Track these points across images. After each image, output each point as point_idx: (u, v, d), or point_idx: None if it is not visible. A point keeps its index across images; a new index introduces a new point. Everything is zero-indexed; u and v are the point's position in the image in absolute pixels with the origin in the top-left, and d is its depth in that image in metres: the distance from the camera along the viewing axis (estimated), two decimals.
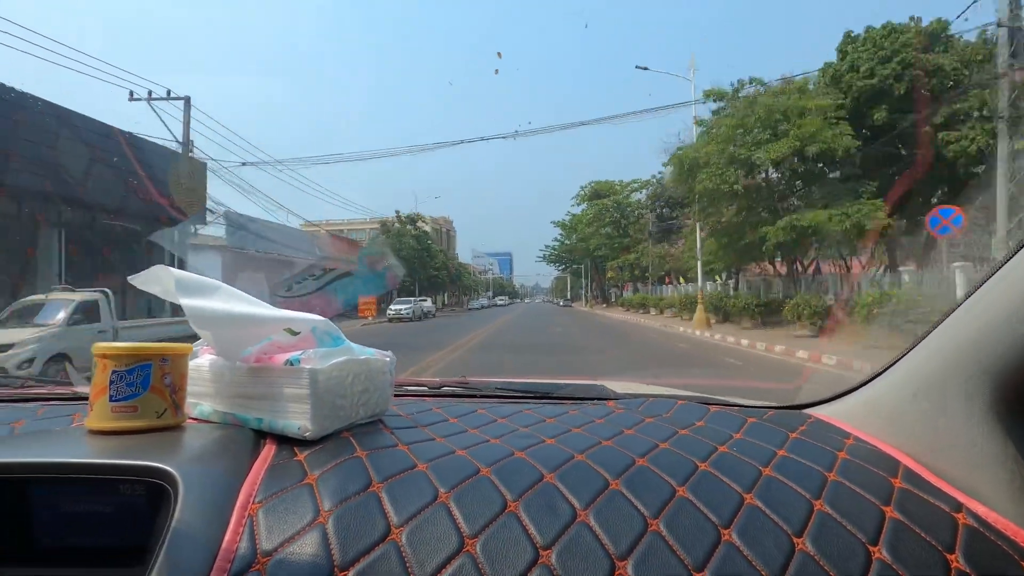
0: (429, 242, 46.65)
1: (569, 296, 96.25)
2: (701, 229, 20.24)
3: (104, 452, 0.63)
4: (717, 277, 24.54)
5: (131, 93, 17.76)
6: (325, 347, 0.78)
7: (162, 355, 0.71)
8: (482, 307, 63.97)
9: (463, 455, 0.69)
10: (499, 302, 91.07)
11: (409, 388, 1.11)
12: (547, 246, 69.47)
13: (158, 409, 0.71)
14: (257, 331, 0.78)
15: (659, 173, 40.29)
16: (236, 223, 23.36)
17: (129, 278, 0.78)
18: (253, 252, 24.15)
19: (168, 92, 18.30)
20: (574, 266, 68.92)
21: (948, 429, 0.68)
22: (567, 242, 61.35)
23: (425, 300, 35.91)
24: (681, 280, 32.57)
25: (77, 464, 0.59)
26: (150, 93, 18.06)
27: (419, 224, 45.96)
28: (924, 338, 0.74)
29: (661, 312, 29.09)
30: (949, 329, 0.70)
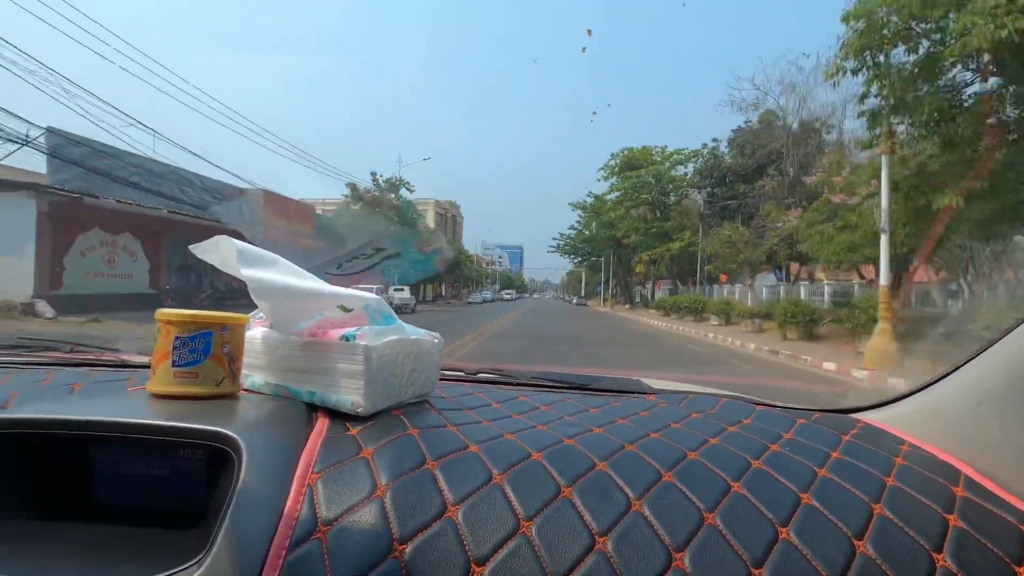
0: (415, 216, 35.96)
1: (584, 293, 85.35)
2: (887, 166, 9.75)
3: (168, 415, 0.64)
4: (822, 275, 16.44)
5: None
6: (377, 325, 0.79)
7: (222, 324, 0.72)
8: (484, 301, 55.43)
9: (512, 439, 0.70)
10: (505, 296, 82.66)
11: (446, 372, 1.11)
12: (562, 234, 59.27)
13: (217, 377, 0.72)
14: (311, 305, 0.79)
15: (712, 142, 31.67)
16: (65, 154, 14.36)
17: (190, 247, 0.79)
18: (111, 201, 15.57)
19: None
20: (593, 258, 59.05)
21: (1015, 439, 0.66)
22: (586, 231, 52.71)
23: (402, 290, 27.84)
24: (753, 278, 23.14)
25: (145, 425, 0.60)
26: None
27: (403, 192, 35.10)
28: (991, 345, 0.72)
29: (727, 322, 20.05)
30: (1021, 337, 0.68)
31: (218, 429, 0.59)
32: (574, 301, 74.71)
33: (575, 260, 66.80)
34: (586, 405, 0.88)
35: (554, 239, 60.76)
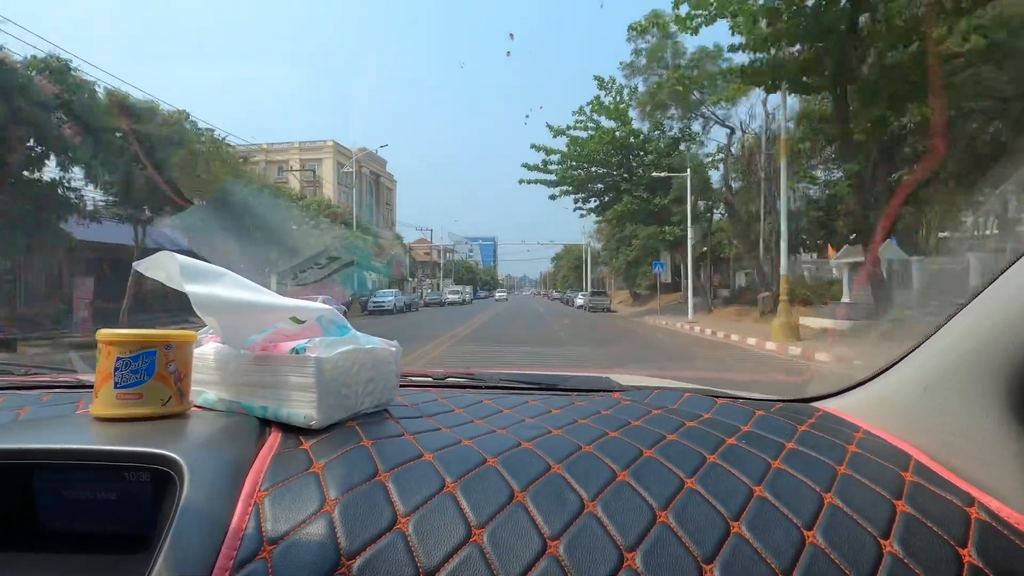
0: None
1: (592, 283, 49.67)
2: None
3: (109, 439, 0.63)
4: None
5: None
6: (331, 336, 0.78)
7: (167, 342, 0.71)
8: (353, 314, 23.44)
9: (469, 445, 0.69)
10: (450, 297, 48.57)
11: (414, 379, 1.11)
12: (563, 128, 24.82)
13: (163, 396, 0.70)
14: (262, 319, 0.78)
15: None
16: None
17: (134, 264, 0.78)
18: None
19: None
20: (636, 191, 25.27)
21: (960, 423, 0.68)
22: (618, 125, 24.16)
23: None
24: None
25: (82, 451, 0.59)
26: None
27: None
28: (937, 332, 0.73)
29: None
30: (963, 322, 0.69)
31: (156, 451, 0.58)
32: (577, 300, 39.09)
33: (581, 201, 28.59)
34: (550, 406, 0.87)
35: (533, 147, 25.93)
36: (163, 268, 0.76)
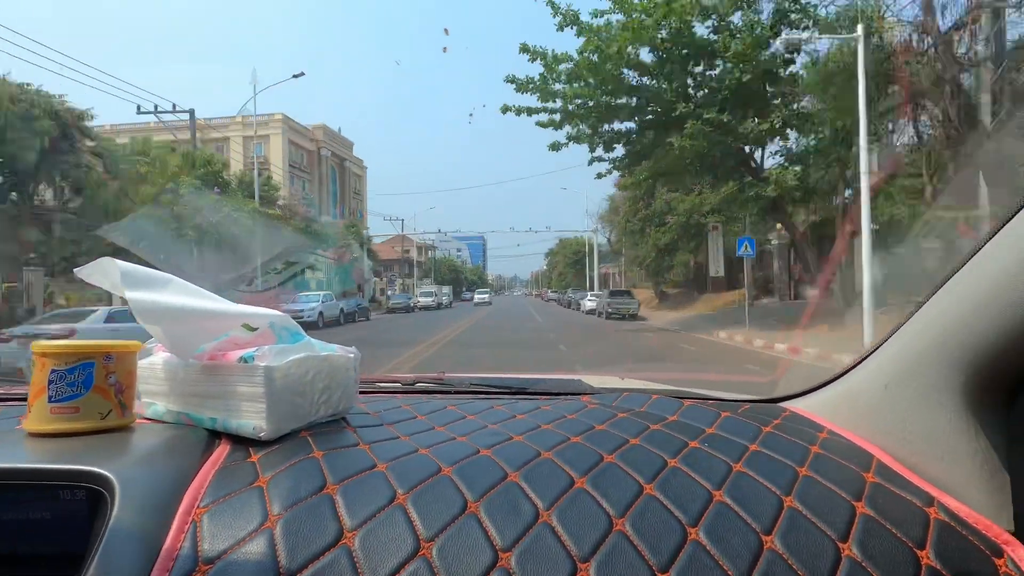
0: None
1: (596, 278, 39.15)
2: None
3: (39, 456, 0.60)
4: None
5: None
6: (284, 343, 0.76)
7: (106, 353, 0.68)
8: None
9: (426, 454, 0.67)
10: (423, 300, 39.78)
11: (381, 385, 1.09)
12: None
13: (102, 410, 0.67)
14: (212, 327, 0.75)
15: None
16: None
17: (75, 270, 0.75)
18: None
19: None
20: (706, 108, 12.35)
21: (919, 421, 0.67)
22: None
23: None
24: None
25: (5, 469, 0.56)
26: None
27: None
28: (897, 330, 0.72)
29: None
30: (921, 321, 0.69)
31: (83, 468, 0.55)
32: (586, 303, 28.58)
33: (603, 146, 15.19)
34: (515, 412, 0.85)
35: (524, 50, 13.67)
36: (105, 274, 0.73)
